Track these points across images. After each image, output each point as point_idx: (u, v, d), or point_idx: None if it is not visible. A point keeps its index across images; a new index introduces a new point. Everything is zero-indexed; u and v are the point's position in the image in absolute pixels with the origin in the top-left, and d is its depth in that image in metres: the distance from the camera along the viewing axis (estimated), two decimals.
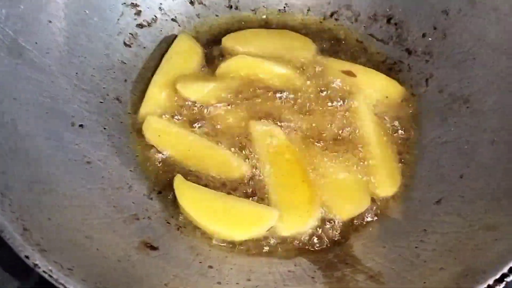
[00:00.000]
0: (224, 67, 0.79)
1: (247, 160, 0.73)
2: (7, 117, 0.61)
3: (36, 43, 0.68)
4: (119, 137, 0.74)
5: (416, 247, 0.63)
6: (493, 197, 0.63)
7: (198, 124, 0.76)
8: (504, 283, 0.51)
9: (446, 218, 0.65)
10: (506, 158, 0.65)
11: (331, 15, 0.87)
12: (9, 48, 0.64)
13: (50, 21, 0.71)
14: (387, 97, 0.80)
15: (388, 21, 0.84)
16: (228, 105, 0.77)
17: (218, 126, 0.76)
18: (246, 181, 0.71)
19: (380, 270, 0.62)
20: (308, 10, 0.88)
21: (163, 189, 0.71)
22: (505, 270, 0.51)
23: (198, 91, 0.76)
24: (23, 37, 0.66)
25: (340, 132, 0.76)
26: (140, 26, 0.82)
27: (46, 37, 0.70)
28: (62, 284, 0.47)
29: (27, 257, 0.48)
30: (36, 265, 0.47)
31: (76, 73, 0.73)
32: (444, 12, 0.78)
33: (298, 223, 0.68)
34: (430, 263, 0.59)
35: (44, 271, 0.47)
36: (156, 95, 0.76)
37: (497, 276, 0.51)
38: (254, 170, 0.72)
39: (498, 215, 0.60)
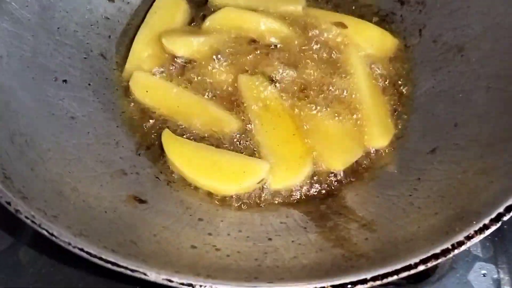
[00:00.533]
0: (211, 20, 0.77)
1: (237, 114, 0.71)
2: None
3: None
4: (104, 93, 0.72)
5: (410, 195, 0.62)
6: (488, 142, 0.61)
7: (185, 79, 0.73)
8: (500, 222, 0.49)
9: (440, 166, 0.63)
10: (501, 104, 0.64)
11: None
12: None
13: None
14: (379, 48, 0.77)
15: None
16: (216, 59, 0.75)
17: (207, 81, 0.74)
18: (236, 136, 0.70)
19: (373, 218, 0.60)
20: None
21: (152, 145, 0.70)
22: (501, 209, 0.50)
23: (185, 46, 0.74)
24: None
25: (331, 84, 0.74)
26: None
27: None
28: (46, 230, 0.45)
29: (8, 203, 0.47)
30: (17, 210, 0.46)
31: (58, 28, 0.71)
32: None
33: (289, 176, 0.67)
34: (424, 209, 0.58)
35: (26, 217, 0.46)
36: (142, 51, 0.74)
37: (493, 216, 0.49)
38: (244, 125, 0.70)
39: (492, 159, 0.58)
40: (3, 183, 0.48)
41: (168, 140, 0.67)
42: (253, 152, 0.69)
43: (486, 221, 0.49)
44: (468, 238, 0.49)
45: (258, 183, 0.66)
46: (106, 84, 0.73)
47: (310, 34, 0.78)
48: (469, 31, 0.72)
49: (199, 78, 0.74)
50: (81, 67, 0.71)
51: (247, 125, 0.70)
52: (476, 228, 0.49)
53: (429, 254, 0.48)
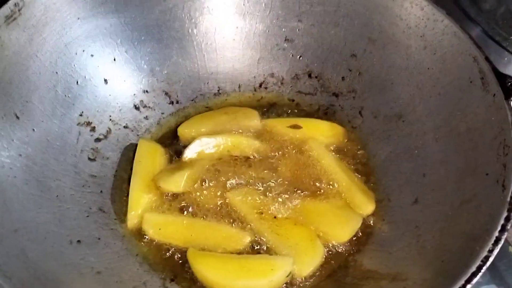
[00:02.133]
0: (188, 153, 0.86)
1: (246, 226, 0.78)
2: (16, 249, 0.62)
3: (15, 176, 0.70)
4: (115, 243, 0.76)
5: (417, 241, 0.71)
6: (458, 179, 0.73)
7: (186, 210, 0.80)
8: (505, 232, 0.60)
9: (428, 211, 0.74)
10: (452, 144, 0.76)
11: (260, 85, 0.98)
12: None
13: (20, 155, 0.73)
14: (333, 137, 0.90)
15: (309, 76, 0.97)
16: (204, 184, 0.82)
17: (204, 206, 0.80)
18: (251, 246, 0.76)
19: (397, 271, 0.68)
20: (239, 87, 0.98)
21: (175, 276, 0.73)
22: (502, 221, 0.60)
23: (177, 182, 0.81)
24: None
25: (307, 176, 0.84)
26: (98, 140, 0.86)
27: (23, 172, 0.72)
28: None
29: None
30: None
31: (57, 196, 0.75)
32: (352, 56, 0.93)
33: (310, 260, 0.74)
34: (437, 246, 0.67)
35: None
36: (139, 197, 0.80)
37: (499, 228, 0.60)
38: (254, 234, 0.77)
39: (469, 189, 0.70)
40: None
41: (194, 256, 0.72)
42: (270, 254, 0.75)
43: (496, 234, 0.60)
44: (490, 251, 0.58)
45: (287, 276, 0.71)
46: (113, 235, 0.76)
47: (273, 140, 0.89)
48: (400, 101, 0.87)
49: (196, 205, 0.80)
50: (87, 225, 0.75)
51: (256, 236, 0.77)
52: (492, 242, 0.59)
53: (469, 274, 0.56)
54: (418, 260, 0.67)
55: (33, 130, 0.77)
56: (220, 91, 0.98)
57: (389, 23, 0.87)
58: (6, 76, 0.74)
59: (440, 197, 0.74)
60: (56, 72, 0.82)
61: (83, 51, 0.86)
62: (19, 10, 0.76)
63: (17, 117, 0.75)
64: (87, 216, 0.76)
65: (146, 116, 0.92)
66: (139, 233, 0.78)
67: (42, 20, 0.79)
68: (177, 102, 0.95)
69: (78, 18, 0.84)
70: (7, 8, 0.75)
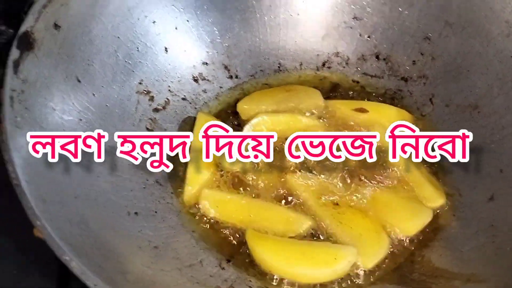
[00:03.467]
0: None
1: (306, 212, 0.74)
2: (78, 216, 0.59)
3: None
4: (171, 217, 0.73)
5: (493, 242, 0.66)
6: None
7: (244, 189, 0.76)
8: None
9: (506, 210, 0.69)
10: None
11: (323, 64, 0.93)
12: None
13: (80, 119, 0.71)
14: None
15: (377, 57, 0.91)
16: (265, 164, 0.78)
17: (264, 186, 0.77)
18: (311, 232, 0.72)
19: (472, 272, 0.64)
20: (301, 64, 0.94)
21: (232, 256, 0.70)
22: None
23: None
24: None
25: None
26: (156, 110, 0.83)
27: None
28: None
29: None
30: None
31: (115, 164, 0.72)
32: (426, 38, 0.87)
33: (375, 252, 0.69)
34: None
35: None
36: (197, 173, 0.76)
37: None
38: (316, 220, 0.73)
39: None
40: None
41: (253, 238, 0.69)
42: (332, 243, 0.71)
43: None
44: None
45: (351, 267, 0.67)
46: (169, 209, 0.74)
47: (337, 123, 0.84)
48: (476, 90, 0.82)
49: (254, 185, 0.77)
50: (144, 197, 0.72)
51: (318, 222, 0.73)
52: None
53: None
54: (496, 262, 0.63)
55: (93, 95, 0.74)
56: (281, 68, 0.94)
57: (470, 5, 0.82)
58: (69, 37, 0.72)
59: None
60: (118, 37, 0.79)
61: (146, 17, 0.82)
62: None
63: (79, 81, 0.72)
64: (144, 187, 0.74)
65: (205, 89, 0.89)
66: (195, 209, 0.75)
67: None
68: (236, 77, 0.91)
69: None
70: None
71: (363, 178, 0.78)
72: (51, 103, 0.66)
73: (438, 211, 0.75)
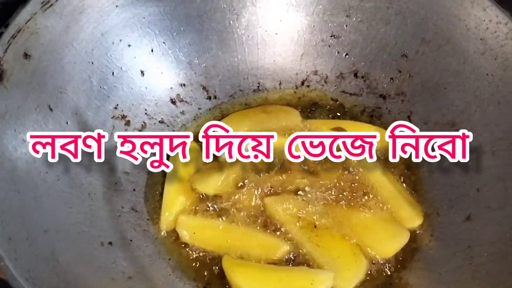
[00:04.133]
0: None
1: (283, 236, 0.74)
2: (47, 251, 0.58)
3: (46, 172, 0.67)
4: (147, 245, 0.72)
5: (470, 263, 0.66)
6: None
7: (221, 214, 0.76)
8: None
9: (483, 230, 0.69)
10: (508, 162, 0.71)
11: (302, 83, 0.93)
12: None
13: None
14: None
15: (355, 75, 0.91)
16: (240, 187, 0.78)
17: (240, 210, 0.76)
18: (289, 256, 0.72)
19: None
20: (280, 83, 0.93)
21: (208, 283, 0.70)
22: None
23: (214, 184, 0.77)
24: None
25: (350, 184, 0.79)
26: None
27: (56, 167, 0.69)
28: None
29: None
30: None
31: (89, 193, 0.72)
32: (403, 56, 0.87)
33: (353, 275, 0.69)
34: (494, 272, 0.62)
35: None
36: (173, 198, 0.76)
37: None
38: (293, 244, 0.73)
39: None
40: None
41: (230, 265, 0.69)
42: (309, 266, 0.71)
43: None
44: None
45: None
46: (145, 236, 0.73)
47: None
48: (453, 108, 0.81)
49: (233, 209, 0.76)
50: (119, 226, 0.72)
51: (295, 244, 0.73)
52: None
53: None
54: (472, 285, 0.62)
55: (67, 123, 0.73)
56: (260, 87, 0.93)
57: (446, 23, 0.82)
58: (41, 65, 0.71)
59: (497, 216, 0.68)
60: (92, 62, 0.78)
61: (120, 40, 0.82)
62: None
63: (51, 109, 0.72)
64: (119, 215, 0.73)
65: (183, 111, 0.88)
66: (172, 236, 0.74)
67: (79, 7, 0.76)
68: (215, 98, 0.91)
69: (117, 6, 0.80)
70: None
71: (342, 200, 0.77)
72: (21, 135, 0.66)
73: (416, 231, 0.75)
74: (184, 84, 0.89)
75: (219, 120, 0.87)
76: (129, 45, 0.83)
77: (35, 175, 0.65)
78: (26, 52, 0.69)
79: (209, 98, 0.91)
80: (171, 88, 0.88)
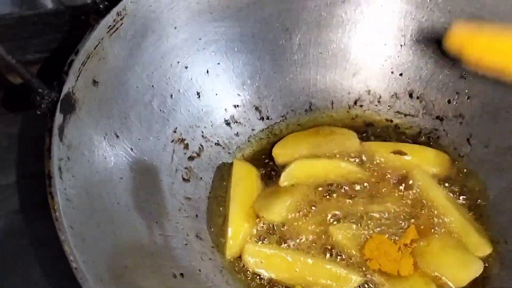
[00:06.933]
0: (286, 176, 0.80)
1: (353, 267, 0.72)
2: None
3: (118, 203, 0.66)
4: (215, 275, 0.71)
5: None
6: None
7: (285, 241, 0.74)
8: None
9: None
10: None
11: (355, 103, 0.92)
12: None
13: (121, 178, 0.68)
14: (439, 166, 0.83)
15: (410, 95, 0.90)
16: (305, 215, 0.77)
17: (304, 238, 0.75)
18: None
19: None
20: (332, 103, 0.92)
21: None
22: None
23: (280, 212, 0.76)
24: None
25: (415, 210, 0.78)
26: (191, 158, 0.81)
27: (122, 193, 0.68)
28: None
29: None
30: None
31: (156, 222, 0.70)
32: (461, 77, 0.86)
33: None
34: None
35: None
36: (239, 226, 0.75)
37: None
38: (364, 275, 0.72)
39: None
40: None
41: None
42: None
43: None
44: None
45: None
46: (213, 266, 0.72)
47: (376, 167, 0.83)
48: None
49: (297, 236, 0.75)
50: (187, 255, 0.70)
51: (367, 276, 0.71)
52: None
53: None
54: None
55: (131, 149, 0.72)
56: (312, 107, 0.92)
57: None
58: (107, 91, 0.70)
59: None
60: (153, 86, 0.77)
61: (178, 62, 0.81)
62: (121, 19, 0.71)
63: (117, 136, 0.70)
64: (186, 244, 0.72)
65: (237, 133, 0.87)
66: (237, 264, 0.73)
67: (141, 30, 0.74)
68: (267, 118, 0.90)
69: (175, 28, 0.79)
70: (109, 18, 0.70)
71: (406, 226, 0.76)
72: (94, 166, 0.64)
73: (484, 260, 0.74)
74: (237, 105, 0.88)
75: (272, 141, 0.86)
76: (186, 67, 0.82)
77: (109, 207, 0.64)
78: (94, 79, 0.67)
79: (262, 118, 0.89)
80: (225, 109, 0.87)
